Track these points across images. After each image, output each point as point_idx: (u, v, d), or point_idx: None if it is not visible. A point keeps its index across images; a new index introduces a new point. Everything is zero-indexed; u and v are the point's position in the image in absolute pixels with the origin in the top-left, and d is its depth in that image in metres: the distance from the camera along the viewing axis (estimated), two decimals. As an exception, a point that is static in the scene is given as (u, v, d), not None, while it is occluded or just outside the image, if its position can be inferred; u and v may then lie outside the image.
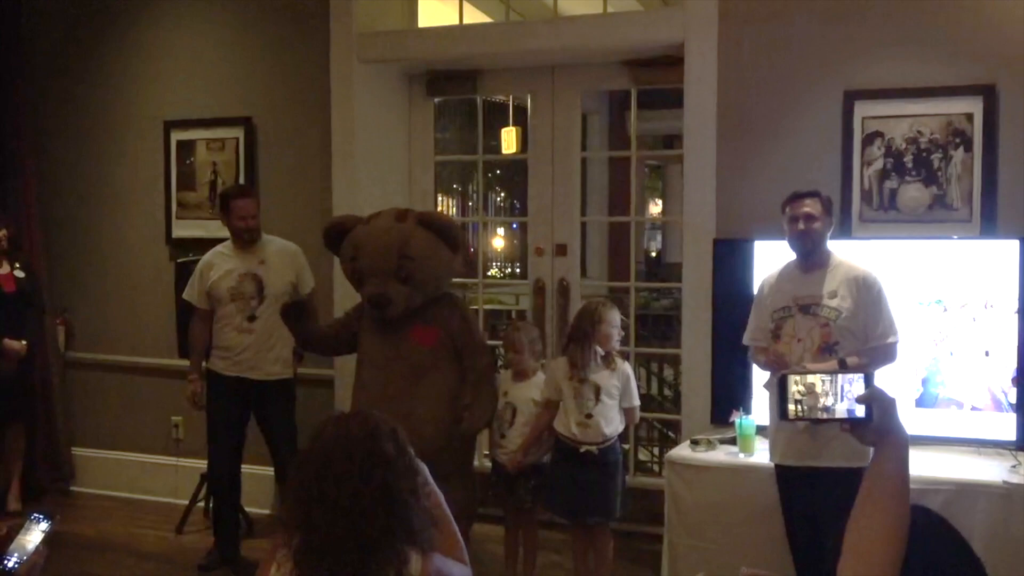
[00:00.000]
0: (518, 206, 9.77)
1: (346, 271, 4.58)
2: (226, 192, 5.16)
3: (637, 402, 4.43)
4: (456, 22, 5.77)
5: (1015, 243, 4.13)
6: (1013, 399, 4.14)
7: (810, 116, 4.71)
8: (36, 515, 2.16)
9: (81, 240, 6.34)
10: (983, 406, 4.20)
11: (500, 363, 5.92)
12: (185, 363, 5.25)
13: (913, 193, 4.56)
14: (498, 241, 10.77)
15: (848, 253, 3.99)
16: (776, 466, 3.96)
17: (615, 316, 4.37)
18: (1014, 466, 4.00)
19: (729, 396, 4.53)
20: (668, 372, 6.95)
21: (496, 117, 7.72)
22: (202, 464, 5.48)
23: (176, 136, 6.04)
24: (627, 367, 4.44)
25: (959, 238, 4.36)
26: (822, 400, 1.76)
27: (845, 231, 4.50)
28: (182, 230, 6.04)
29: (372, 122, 5.67)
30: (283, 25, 5.77)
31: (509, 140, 7.56)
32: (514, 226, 10.58)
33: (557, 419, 4.38)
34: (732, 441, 4.40)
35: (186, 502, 5.68)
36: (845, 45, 4.64)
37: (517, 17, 6.12)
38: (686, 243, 5.03)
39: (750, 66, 4.82)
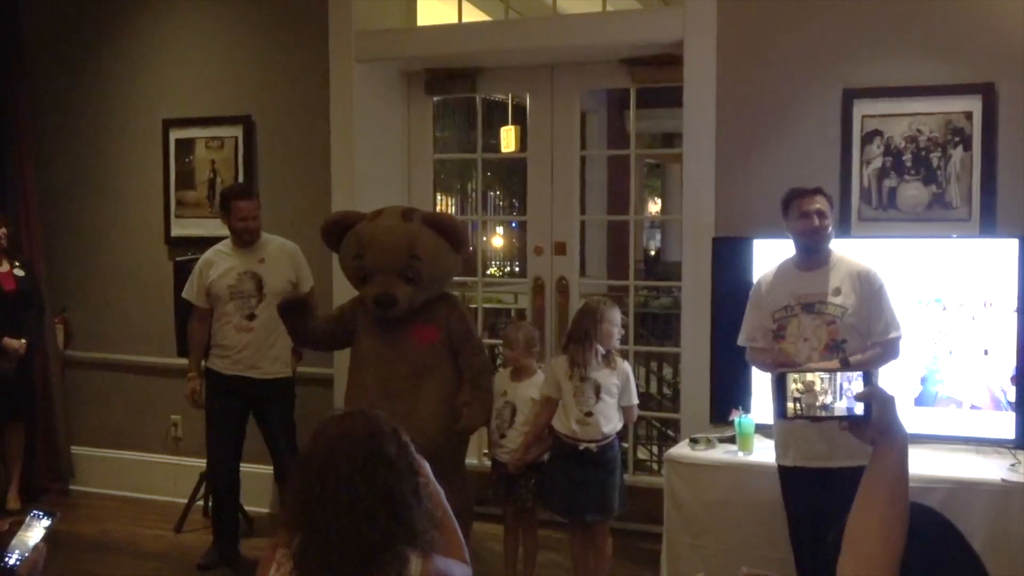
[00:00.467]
0: (517, 205, 9.78)
1: (348, 268, 4.55)
2: (227, 192, 5.15)
3: (636, 401, 4.44)
4: (455, 21, 5.77)
5: (1014, 242, 4.13)
6: (1012, 398, 4.14)
7: (809, 114, 4.72)
8: (37, 512, 2.16)
9: (80, 239, 6.34)
10: (982, 405, 4.20)
11: (499, 362, 5.92)
12: (184, 362, 5.25)
13: (912, 192, 4.56)
14: (497, 240, 10.78)
15: (847, 250, 3.99)
16: (782, 467, 3.94)
17: (616, 315, 4.38)
18: (1013, 464, 4.00)
19: (728, 395, 4.53)
20: (667, 371, 6.95)
21: (495, 116, 7.73)
22: (201, 463, 5.48)
23: (175, 135, 6.04)
24: (627, 366, 4.44)
25: (958, 237, 4.36)
26: (821, 398, 1.76)
27: (844, 230, 4.50)
28: (181, 229, 6.04)
29: (371, 121, 5.67)
30: (282, 24, 5.77)
31: (508, 139, 7.58)
32: (513, 225, 10.59)
33: (556, 417, 4.38)
34: (731, 440, 4.40)
35: (185, 501, 5.68)
36: (844, 43, 4.64)
37: (516, 16, 6.12)
38: (685, 241, 5.03)
39: (749, 64, 4.82)
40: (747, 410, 4.39)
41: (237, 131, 5.87)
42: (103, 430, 6.36)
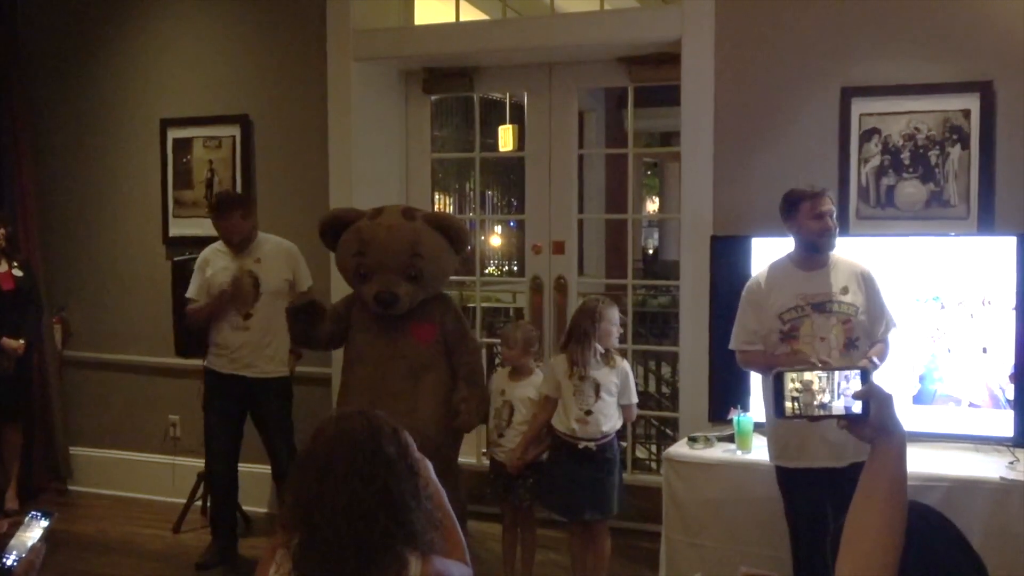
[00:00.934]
0: (515, 204, 9.77)
1: (347, 265, 4.55)
2: (211, 205, 5.14)
3: (635, 400, 4.44)
4: (453, 20, 5.76)
5: (1012, 240, 4.13)
6: (1010, 396, 4.14)
7: (807, 113, 4.71)
8: (35, 513, 2.16)
9: (78, 239, 6.33)
10: (981, 403, 4.20)
11: (497, 361, 5.92)
12: (185, 362, 5.26)
13: (910, 190, 4.56)
14: (495, 239, 10.77)
15: (841, 249, 3.98)
16: (781, 468, 3.92)
17: (614, 314, 4.38)
18: (1011, 462, 4.00)
19: (727, 393, 4.53)
20: (666, 369, 6.95)
21: (493, 115, 7.72)
22: (199, 463, 5.48)
23: (172, 134, 6.03)
24: (626, 365, 4.44)
25: (956, 235, 4.36)
26: (819, 397, 1.75)
27: (842, 228, 4.47)
28: (179, 228, 6.04)
29: (368, 120, 5.67)
30: (280, 23, 5.76)
31: (506, 138, 7.56)
32: (511, 224, 10.58)
33: (556, 416, 4.38)
34: (730, 438, 4.40)
35: (183, 501, 5.67)
36: (842, 42, 4.64)
37: (514, 14, 6.12)
38: (683, 240, 5.03)
39: (747, 63, 4.82)
40: (745, 409, 4.39)
41: (235, 130, 5.87)
42: (101, 430, 6.35)
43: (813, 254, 3.87)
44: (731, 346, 4.03)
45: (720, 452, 4.38)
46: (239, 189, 5.82)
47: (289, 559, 2.07)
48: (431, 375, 4.55)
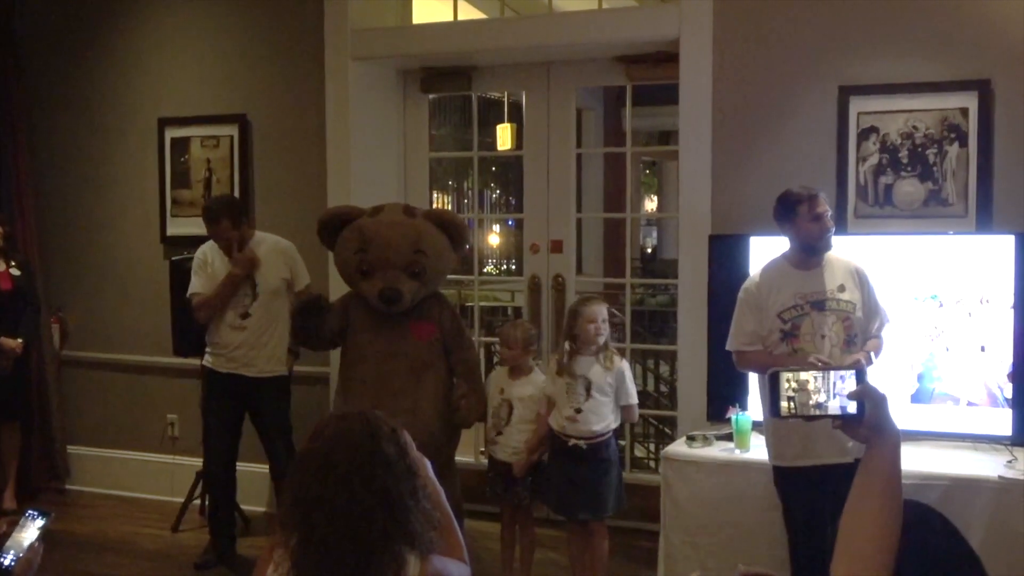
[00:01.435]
0: (513, 203, 9.77)
1: (348, 263, 4.56)
2: (201, 211, 5.10)
3: (634, 400, 4.41)
4: (451, 19, 5.76)
5: (1010, 238, 4.13)
6: (1009, 394, 4.14)
7: (805, 111, 4.71)
8: (32, 512, 2.16)
9: (76, 238, 6.33)
10: (979, 401, 4.20)
11: (495, 360, 5.92)
12: (183, 361, 5.26)
13: (908, 188, 4.56)
14: (494, 238, 10.78)
15: (836, 247, 3.97)
16: (778, 467, 3.92)
17: (596, 310, 4.33)
18: (1010, 461, 4.01)
19: (725, 392, 4.52)
20: (664, 368, 6.95)
21: (491, 114, 7.72)
22: (198, 462, 5.47)
23: (170, 133, 6.03)
24: (624, 365, 4.41)
25: (954, 233, 4.37)
26: (814, 397, 1.75)
27: (840, 227, 4.48)
28: (177, 228, 6.03)
29: (367, 119, 5.67)
30: (277, 22, 5.76)
31: (504, 137, 7.57)
32: (510, 223, 10.59)
33: (552, 414, 4.39)
34: (728, 437, 4.40)
35: (182, 500, 5.67)
36: (840, 40, 4.64)
37: (512, 13, 6.12)
38: (681, 239, 5.03)
39: (745, 62, 4.82)
40: (744, 408, 4.39)
41: (233, 130, 5.86)
42: (99, 429, 6.34)
43: (811, 254, 3.88)
44: (728, 347, 4.02)
45: (718, 451, 4.38)
46: (237, 188, 5.82)
47: (288, 559, 2.07)
48: (431, 373, 4.57)
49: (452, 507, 2.34)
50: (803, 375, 1.76)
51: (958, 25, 4.48)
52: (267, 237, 5.15)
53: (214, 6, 5.94)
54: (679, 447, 4.48)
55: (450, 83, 5.83)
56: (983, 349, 4.17)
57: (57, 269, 6.34)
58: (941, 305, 4.23)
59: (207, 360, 5.10)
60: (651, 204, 14.25)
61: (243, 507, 5.48)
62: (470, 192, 8.60)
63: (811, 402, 1.75)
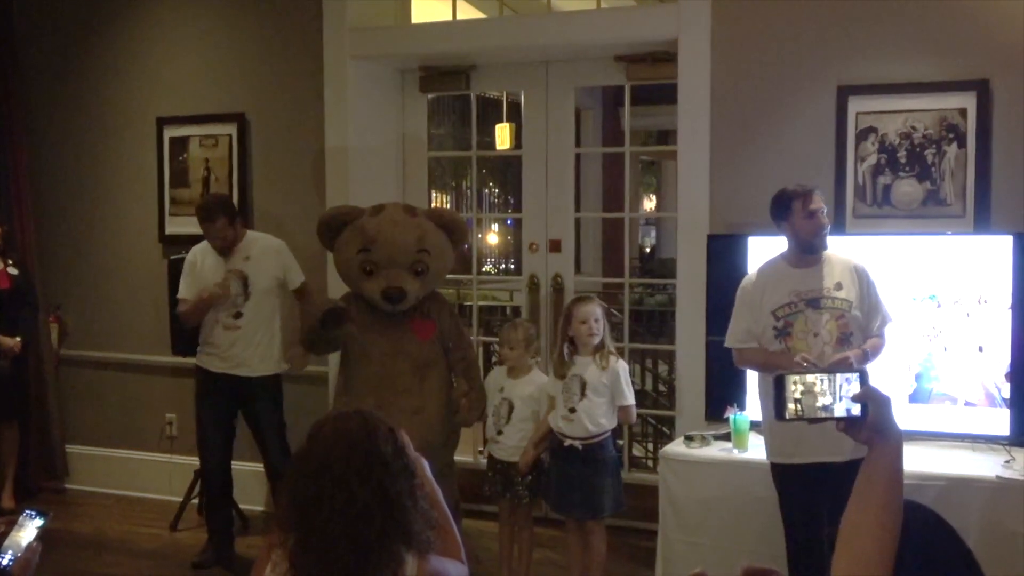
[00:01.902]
0: (512, 202, 9.76)
1: (351, 262, 4.56)
2: (196, 210, 5.07)
3: (630, 401, 4.37)
4: (449, 18, 5.76)
5: (1008, 239, 4.14)
6: (1006, 394, 4.15)
7: (804, 111, 4.72)
8: (30, 512, 2.16)
9: (74, 237, 6.33)
10: (977, 401, 4.20)
11: (494, 360, 5.92)
12: (181, 360, 5.26)
13: (907, 188, 4.56)
14: (492, 237, 10.78)
15: (833, 245, 3.97)
16: (776, 465, 3.93)
17: (587, 311, 4.31)
18: (1007, 461, 4.01)
19: (723, 392, 4.53)
20: (663, 368, 6.94)
21: (490, 113, 7.72)
22: (196, 461, 5.46)
23: (169, 133, 6.02)
24: (620, 366, 4.36)
25: (953, 234, 4.37)
26: (820, 399, 1.75)
27: (839, 227, 4.49)
28: (175, 227, 6.02)
29: (365, 118, 5.67)
30: (276, 21, 5.76)
31: (503, 136, 7.57)
32: (508, 222, 10.58)
33: (550, 413, 4.40)
34: (726, 437, 4.41)
35: (180, 499, 5.67)
36: (839, 40, 4.64)
37: (510, 13, 6.12)
38: (680, 238, 5.03)
39: (744, 62, 4.82)
40: (742, 407, 4.40)
41: (231, 129, 5.86)
42: (98, 428, 6.34)
43: (807, 251, 3.88)
44: (727, 344, 4.04)
45: (716, 451, 4.38)
46: (235, 188, 5.82)
47: (286, 558, 2.07)
48: (434, 372, 4.60)
49: (449, 506, 2.34)
50: (809, 377, 1.76)
51: (957, 25, 4.48)
52: (259, 236, 5.16)
53: (213, 5, 5.94)
54: (677, 447, 4.49)
55: (449, 82, 5.83)
56: (981, 349, 4.18)
57: (55, 268, 6.34)
58: (939, 305, 4.23)
59: (200, 359, 5.09)
60: (650, 204, 14.24)
61: (241, 506, 5.49)
62: (469, 191, 8.60)
63: (817, 404, 1.75)
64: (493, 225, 10.85)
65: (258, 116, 5.83)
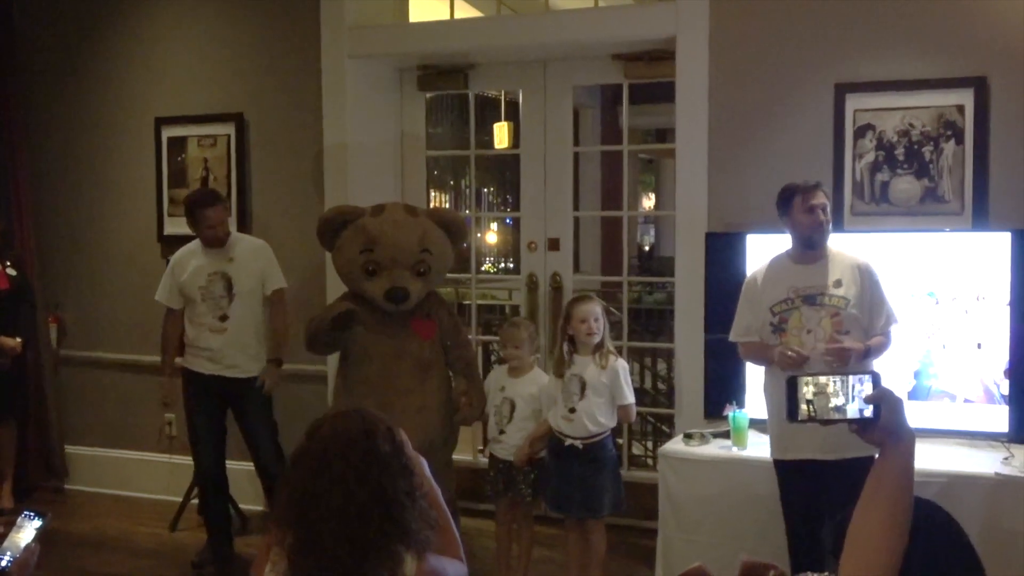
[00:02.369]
0: (511, 201, 9.76)
1: (353, 262, 4.55)
2: (192, 200, 5.04)
3: (630, 400, 4.36)
4: (447, 17, 5.76)
5: (1006, 235, 4.14)
6: (1005, 391, 4.15)
7: (802, 109, 4.72)
8: (29, 513, 2.15)
9: (73, 237, 6.32)
10: (975, 398, 4.21)
11: (493, 359, 5.92)
12: (179, 360, 5.23)
13: (904, 186, 4.56)
14: (491, 236, 10.78)
15: (841, 243, 3.99)
16: (779, 461, 3.94)
17: (586, 310, 4.31)
18: (1006, 458, 4.01)
19: (722, 390, 4.54)
20: (661, 366, 6.94)
21: (488, 112, 7.72)
22: (195, 461, 5.47)
23: (167, 133, 6.02)
24: (619, 365, 4.35)
25: (951, 231, 4.37)
26: (833, 400, 1.75)
27: (837, 224, 4.46)
28: (174, 227, 6.01)
29: (364, 117, 5.66)
30: (274, 20, 5.75)
31: (501, 135, 7.57)
32: (507, 221, 10.58)
33: (550, 412, 4.40)
34: (725, 435, 4.41)
35: (180, 499, 5.66)
36: (836, 38, 4.65)
37: (508, 12, 6.11)
38: (678, 237, 5.03)
39: (741, 60, 4.82)
40: (741, 405, 4.40)
41: (230, 129, 5.85)
42: (97, 428, 6.34)
43: (807, 248, 3.89)
44: (730, 338, 4.07)
45: (716, 449, 4.38)
46: (234, 187, 5.82)
47: (284, 557, 2.07)
48: (435, 372, 4.60)
49: (447, 506, 2.34)
50: (822, 379, 1.76)
51: (954, 22, 4.48)
52: (243, 237, 5.16)
53: (211, 5, 5.93)
54: (676, 445, 4.49)
55: (447, 81, 5.83)
56: (979, 346, 4.18)
57: (54, 268, 6.34)
58: (937, 302, 4.23)
59: (187, 361, 5.07)
60: (648, 202, 14.23)
61: (241, 506, 5.49)
62: (467, 190, 8.59)
63: (830, 405, 1.75)
64: (492, 224, 10.85)
65: (256, 116, 5.82)
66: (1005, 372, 4.14)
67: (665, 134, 10.51)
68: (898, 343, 3.96)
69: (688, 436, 4.46)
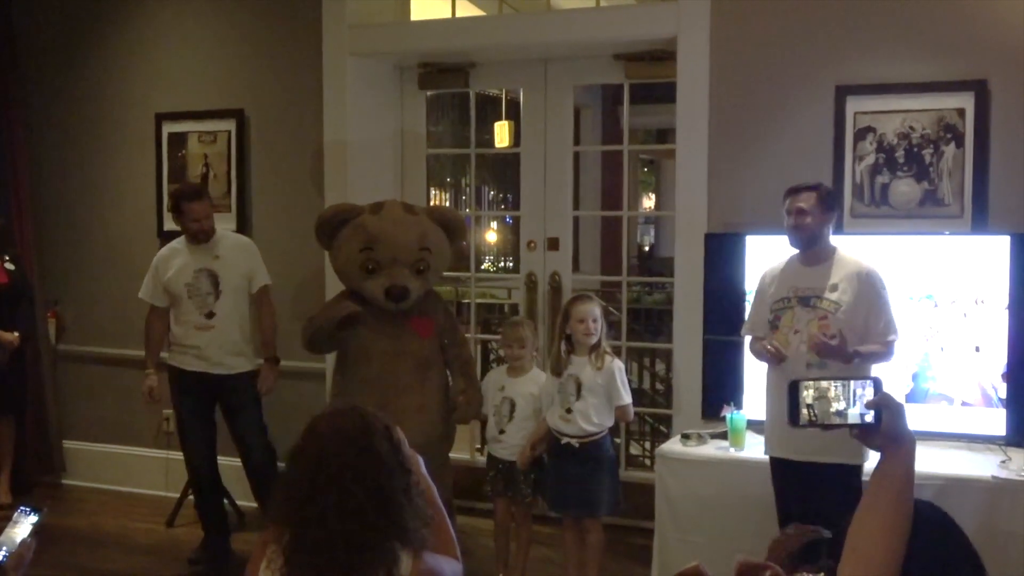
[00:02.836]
0: (510, 200, 9.76)
1: (353, 261, 4.55)
2: (177, 194, 5.06)
3: (627, 400, 4.36)
4: (449, 15, 5.76)
5: (1006, 239, 4.14)
6: (1003, 394, 4.15)
7: (802, 111, 4.72)
8: (24, 508, 2.16)
9: (72, 233, 6.32)
10: (973, 401, 4.21)
11: (492, 358, 5.92)
12: (164, 355, 5.25)
13: (904, 188, 4.56)
14: (491, 235, 10.77)
15: (853, 248, 3.96)
16: (772, 459, 3.95)
17: (584, 310, 4.30)
18: (1003, 461, 4.02)
19: (720, 391, 4.54)
20: (660, 366, 6.94)
21: (489, 111, 7.72)
22: (193, 458, 5.47)
23: (168, 128, 6.02)
24: (616, 365, 4.34)
25: (950, 233, 4.37)
26: (835, 405, 1.75)
27: (836, 226, 4.48)
28: (173, 223, 6.00)
29: (364, 115, 5.66)
30: (275, 17, 5.75)
31: (502, 134, 7.56)
32: (507, 220, 10.58)
33: (548, 412, 4.40)
34: (723, 435, 4.41)
35: (177, 495, 5.66)
36: (837, 40, 4.65)
37: (510, 11, 6.11)
38: (677, 237, 5.03)
39: (742, 61, 4.82)
40: (739, 406, 4.40)
41: (230, 125, 5.86)
42: (95, 424, 6.34)
43: (797, 249, 3.90)
44: (741, 332, 4.13)
45: (713, 449, 4.38)
46: (234, 184, 5.83)
47: (281, 555, 2.07)
48: (434, 370, 4.61)
49: (447, 503, 2.34)
50: (823, 383, 1.75)
51: (955, 25, 4.48)
52: (228, 234, 5.16)
53: (212, 2, 5.93)
54: (674, 445, 4.49)
55: (448, 80, 5.83)
56: (978, 349, 4.18)
57: (54, 263, 6.34)
58: (936, 305, 4.23)
59: (173, 359, 5.06)
60: (648, 202, 14.23)
61: (238, 503, 5.49)
62: (467, 189, 8.59)
63: (831, 410, 1.74)
64: (491, 223, 10.84)
65: (257, 112, 5.82)
66: (1003, 375, 4.14)
67: (665, 134, 10.50)
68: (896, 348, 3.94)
69: (686, 436, 4.47)
